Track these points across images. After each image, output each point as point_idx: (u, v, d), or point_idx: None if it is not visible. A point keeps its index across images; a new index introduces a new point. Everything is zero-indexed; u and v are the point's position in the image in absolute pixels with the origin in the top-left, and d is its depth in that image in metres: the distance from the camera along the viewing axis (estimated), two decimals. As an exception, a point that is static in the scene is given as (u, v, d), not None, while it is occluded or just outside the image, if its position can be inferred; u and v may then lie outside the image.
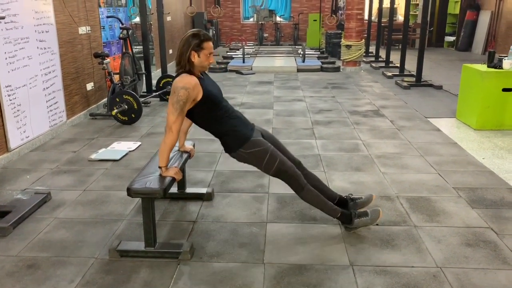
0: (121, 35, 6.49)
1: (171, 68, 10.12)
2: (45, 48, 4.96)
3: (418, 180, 3.79)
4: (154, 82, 7.23)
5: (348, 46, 9.78)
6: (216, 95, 2.72)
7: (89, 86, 6.10)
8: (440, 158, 4.31)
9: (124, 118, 5.58)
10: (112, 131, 5.36)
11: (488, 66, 5.33)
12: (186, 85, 2.54)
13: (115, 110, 5.47)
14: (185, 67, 2.63)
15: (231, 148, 2.78)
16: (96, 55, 5.81)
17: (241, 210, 3.28)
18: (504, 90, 5.16)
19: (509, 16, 11.46)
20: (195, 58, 2.61)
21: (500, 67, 5.21)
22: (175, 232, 2.98)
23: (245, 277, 2.47)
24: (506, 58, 5.28)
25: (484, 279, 2.43)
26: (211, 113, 2.70)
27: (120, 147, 4.69)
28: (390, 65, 10.41)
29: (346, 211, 2.90)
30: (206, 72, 2.82)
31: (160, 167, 2.68)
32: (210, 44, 2.65)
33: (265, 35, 16.36)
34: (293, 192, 3.55)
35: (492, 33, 12.22)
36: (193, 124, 2.93)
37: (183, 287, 2.39)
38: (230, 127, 2.73)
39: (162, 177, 2.66)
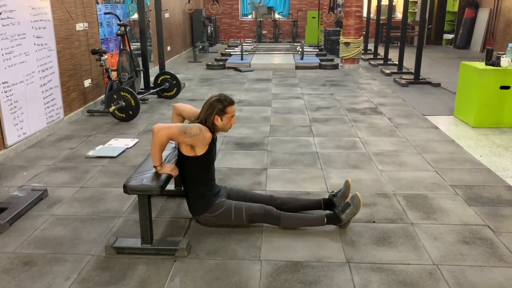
0: (119, 31, 6.47)
1: (169, 65, 10.11)
2: (42, 45, 4.94)
3: (415, 177, 3.80)
4: (152, 79, 7.21)
5: (347, 44, 9.77)
6: (212, 161, 2.90)
7: (87, 82, 6.09)
8: (438, 156, 4.31)
9: (121, 115, 5.57)
10: (110, 128, 5.35)
11: (486, 64, 5.33)
12: (203, 131, 2.69)
13: (113, 107, 5.45)
14: (210, 127, 2.78)
15: (195, 212, 2.94)
16: (94, 52, 5.79)
17: (238, 207, 3.27)
18: (502, 88, 5.16)
19: (508, 14, 11.46)
20: (219, 122, 2.79)
21: (498, 65, 5.21)
22: (172, 229, 2.98)
23: (242, 274, 2.47)
24: (504, 56, 5.28)
25: (480, 277, 2.44)
26: (199, 173, 2.82)
27: (118, 144, 4.68)
28: (389, 62, 10.40)
29: (330, 212, 2.94)
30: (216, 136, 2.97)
31: (154, 167, 2.69)
32: (233, 108, 2.83)
33: (264, 32, 16.33)
34: (291, 189, 3.57)
35: (491, 31, 12.22)
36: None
37: (180, 284, 2.39)
38: (201, 193, 2.86)
39: (158, 174, 2.66)
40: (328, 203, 3.06)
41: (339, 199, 3.05)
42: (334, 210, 2.93)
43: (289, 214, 2.93)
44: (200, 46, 12.55)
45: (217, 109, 2.76)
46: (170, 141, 2.75)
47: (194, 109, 3.03)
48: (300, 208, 3.06)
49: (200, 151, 2.75)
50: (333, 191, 3.17)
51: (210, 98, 2.82)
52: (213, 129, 2.80)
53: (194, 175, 2.84)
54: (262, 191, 3.53)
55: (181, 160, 2.84)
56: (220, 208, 2.86)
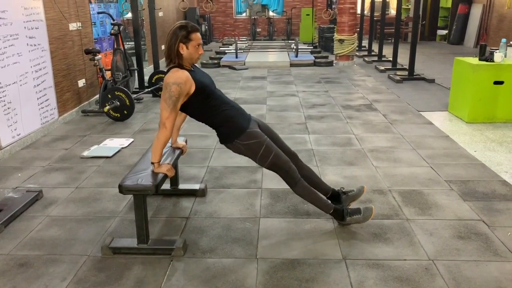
0: (112, 31, 6.44)
1: (164, 64, 10.02)
2: (35, 45, 4.92)
3: (411, 173, 3.81)
4: (146, 78, 7.19)
5: (341, 41, 9.78)
6: (209, 85, 2.70)
7: (81, 82, 6.06)
8: (432, 152, 4.33)
9: (116, 115, 5.55)
10: (104, 127, 5.33)
11: (480, 59, 5.35)
12: (178, 80, 2.51)
13: (107, 107, 5.43)
14: (175, 60, 2.60)
15: (226, 138, 2.75)
16: (87, 52, 5.77)
17: (234, 205, 3.28)
18: (496, 83, 5.18)
19: (501, 9, 11.50)
20: (184, 50, 2.58)
21: (492, 60, 5.23)
22: (168, 229, 2.97)
23: (238, 273, 2.47)
24: (497, 51, 5.30)
25: (476, 271, 2.45)
26: (206, 104, 2.67)
27: (113, 144, 4.66)
28: (383, 59, 10.43)
29: (339, 207, 2.90)
30: (196, 64, 2.78)
31: (152, 163, 2.66)
32: (198, 35, 2.61)
33: (258, 30, 16.31)
34: (287, 187, 3.57)
35: (484, 26, 12.26)
36: (185, 120, 2.92)
37: (176, 283, 2.39)
38: (226, 118, 2.70)
39: (154, 174, 2.65)
40: (334, 196, 3.01)
41: (346, 198, 3.00)
42: (343, 208, 2.89)
43: (306, 184, 2.82)
44: (195, 45, 12.49)
45: (180, 36, 2.55)
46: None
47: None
48: (313, 183, 2.94)
49: (191, 90, 2.59)
50: (343, 188, 3.09)
51: (173, 26, 2.64)
52: (179, 61, 2.59)
53: (206, 108, 2.67)
54: (258, 188, 3.54)
55: (187, 110, 2.67)
56: (253, 138, 2.69)
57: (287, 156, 2.83)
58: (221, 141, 2.80)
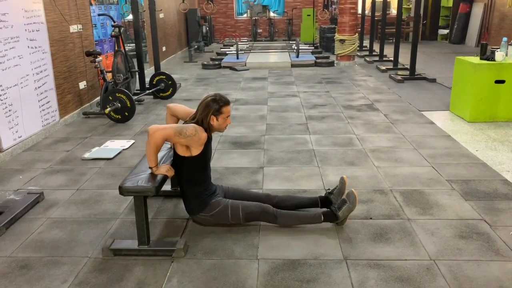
0: (113, 33, 6.45)
1: (164, 65, 10.09)
2: (36, 47, 4.93)
3: (412, 173, 3.80)
4: (147, 79, 7.20)
5: (342, 41, 9.77)
6: (208, 161, 2.90)
7: (82, 84, 6.07)
8: (434, 151, 4.32)
9: (117, 117, 5.56)
10: (106, 129, 5.34)
11: (481, 59, 5.34)
12: (198, 131, 2.70)
13: (108, 109, 5.44)
14: (204, 127, 2.77)
15: (192, 210, 2.92)
16: (88, 54, 5.78)
17: (235, 206, 3.27)
18: (497, 82, 5.17)
19: (502, 8, 11.48)
20: (214, 122, 2.79)
21: (493, 59, 5.22)
22: (169, 230, 2.97)
23: (239, 274, 2.47)
24: (498, 50, 5.29)
25: (478, 271, 2.44)
26: (194, 173, 2.83)
27: (114, 145, 4.67)
28: (384, 59, 10.41)
29: (327, 210, 2.93)
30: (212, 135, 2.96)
31: (150, 168, 2.69)
32: (229, 108, 2.83)
33: (259, 30, 16.31)
34: (288, 187, 3.57)
35: (485, 25, 12.23)
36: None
37: (177, 284, 2.39)
38: (197, 193, 2.86)
39: (154, 175, 2.66)
40: (324, 201, 3.07)
41: (335, 196, 3.05)
42: (330, 208, 2.93)
43: (286, 212, 2.93)
44: (196, 46, 12.53)
45: (213, 109, 2.76)
46: (165, 142, 2.74)
47: (188, 109, 3.03)
48: (296, 206, 3.06)
49: (196, 151, 2.75)
50: (329, 189, 3.17)
51: (205, 98, 2.82)
52: (209, 129, 2.81)
53: (190, 175, 2.83)
54: (259, 189, 3.53)
55: (177, 161, 2.83)
56: (217, 207, 2.86)
57: (258, 201, 2.97)
58: (187, 211, 2.98)
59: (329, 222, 2.93)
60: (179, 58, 12.08)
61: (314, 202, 3.08)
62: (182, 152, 2.77)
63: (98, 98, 6.32)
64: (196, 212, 2.90)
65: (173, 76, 7.07)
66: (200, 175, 2.86)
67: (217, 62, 10.21)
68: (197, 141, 2.71)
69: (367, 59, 10.58)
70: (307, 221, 2.94)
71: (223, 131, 2.97)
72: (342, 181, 3.08)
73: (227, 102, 2.82)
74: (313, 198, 3.12)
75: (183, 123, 2.82)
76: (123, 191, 2.55)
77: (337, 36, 9.92)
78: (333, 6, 13.96)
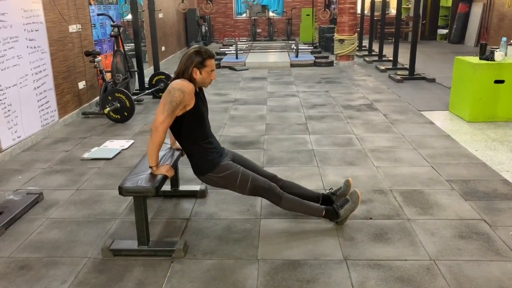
0: (112, 32, 6.44)
1: (164, 65, 10.08)
2: (35, 47, 4.92)
3: (412, 173, 3.80)
4: (146, 79, 7.19)
5: (341, 41, 9.77)
6: (204, 112, 2.79)
7: (81, 84, 6.06)
8: (433, 151, 4.32)
9: (116, 116, 5.55)
10: (105, 129, 5.33)
11: (480, 58, 5.34)
12: (183, 88, 2.57)
13: (108, 109, 5.43)
14: (187, 79, 2.66)
15: (200, 170, 2.83)
16: (87, 53, 5.77)
17: (234, 206, 3.27)
18: (496, 82, 5.17)
19: (501, 8, 11.49)
20: (197, 75, 2.67)
21: (492, 59, 5.22)
22: (169, 230, 2.97)
23: (239, 274, 2.46)
24: (497, 50, 5.29)
25: (477, 271, 2.44)
26: (193, 128, 2.73)
27: (113, 145, 4.66)
28: (383, 58, 10.41)
29: (329, 207, 2.92)
30: (203, 88, 2.85)
31: (150, 167, 2.67)
32: (213, 61, 2.71)
33: (258, 30, 16.30)
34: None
35: (485, 25, 12.24)
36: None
37: (177, 285, 2.39)
38: (204, 150, 2.77)
39: (153, 175, 2.65)
40: (326, 200, 3.04)
41: (337, 197, 3.03)
42: (333, 205, 2.91)
43: (291, 196, 2.88)
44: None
45: (196, 61, 2.64)
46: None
47: None
48: (299, 195, 2.98)
49: (189, 105, 2.65)
50: (332, 189, 3.15)
51: (188, 50, 2.72)
52: (193, 83, 2.67)
53: (191, 132, 2.73)
54: (259, 190, 3.53)
55: (175, 124, 2.72)
56: (227, 169, 2.77)
57: (265, 178, 2.90)
58: (195, 172, 2.88)
59: (328, 219, 2.92)
60: (178, 58, 12.06)
61: (316, 197, 3.04)
62: (178, 112, 2.66)
63: (97, 98, 6.31)
64: (204, 172, 2.79)
65: (172, 76, 7.04)
66: (200, 130, 2.75)
67: (216, 62, 10.17)
68: (189, 95, 2.60)
69: (367, 59, 10.59)
70: (309, 211, 2.90)
71: (207, 87, 2.83)
72: (347, 184, 3.05)
73: (211, 55, 2.69)
74: (316, 193, 3.07)
75: (169, 82, 2.71)
76: (123, 191, 2.54)
77: (337, 36, 9.92)
78: (333, 6, 13.95)
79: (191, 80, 2.67)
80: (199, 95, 2.76)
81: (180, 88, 2.57)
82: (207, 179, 2.84)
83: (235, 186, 2.81)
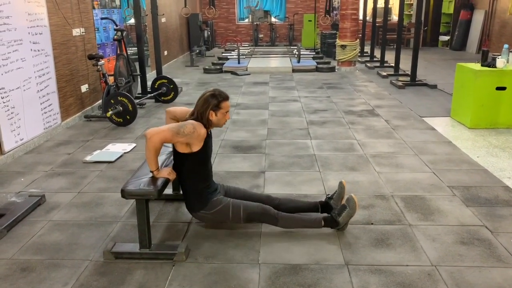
0: (115, 36, 6.47)
1: (166, 69, 10.12)
2: (38, 50, 4.94)
3: (413, 179, 3.80)
4: (149, 83, 7.21)
5: (343, 46, 9.80)
6: (209, 156, 2.89)
7: (84, 88, 6.08)
8: (435, 157, 4.32)
9: (119, 120, 5.57)
10: (107, 133, 5.35)
11: (482, 65, 5.36)
12: (197, 128, 2.67)
13: (110, 112, 5.45)
14: (203, 122, 2.74)
15: (193, 207, 2.89)
16: (91, 57, 5.80)
17: (236, 210, 3.27)
18: (498, 88, 5.18)
19: (503, 15, 11.52)
20: (213, 117, 2.77)
21: (494, 66, 5.23)
22: (170, 234, 2.97)
23: (240, 278, 2.47)
24: (499, 56, 5.30)
25: (479, 277, 2.44)
26: (197, 169, 2.81)
27: (115, 149, 4.68)
28: (385, 64, 10.44)
29: (327, 215, 2.93)
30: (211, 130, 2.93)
31: (151, 172, 2.69)
32: (228, 103, 2.82)
33: (260, 35, 16.37)
34: (289, 192, 3.57)
35: (486, 32, 12.28)
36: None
37: (178, 288, 2.39)
38: (200, 189, 2.84)
39: (155, 179, 2.66)
40: (325, 206, 3.07)
41: (335, 201, 3.05)
42: (331, 214, 2.93)
43: (287, 214, 2.92)
44: (197, 50, 12.57)
45: (212, 104, 2.74)
46: (165, 144, 2.74)
47: (187, 109, 2.99)
48: (297, 210, 3.05)
49: (196, 147, 2.72)
50: (328, 194, 3.17)
51: (204, 93, 2.80)
52: (208, 125, 2.77)
53: (192, 172, 2.80)
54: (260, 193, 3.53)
55: (177, 158, 2.81)
56: (218, 205, 2.84)
57: (259, 202, 2.94)
58: (187, 208, 2.94)
59: (329, 228, 2.93)
60: (180, 62, 12.11)
61: (314, 207, 3.08)
62: (182, 149, 2.74)
63: (100, 101, 6.33)
64: (197, 209, 2.87)
65: (175, 80, 7.08)
66: (201, 172, 2.83)
67: (218, 67, 10.24)
68: (197, 138, 2.68)
69: (368, 64, 10.61)
70: (307, 225, 2.93)
71: (222, 126, 2.94)
72: (341, 186, 3.08)
73: (226, 97, 2.81)
74: (313, 203, 3.12)
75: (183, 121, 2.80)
76: (125, 194, 2.55)
77: (338, 42, 9.95)
78: (335, 12, 14.01)
79: (208, 122, 2.76)
80: (209, 140, 2.85)
81: (195, 126, 2.67)
82: (200, 217, 2.91)
83: (228, 218, 2.86)
